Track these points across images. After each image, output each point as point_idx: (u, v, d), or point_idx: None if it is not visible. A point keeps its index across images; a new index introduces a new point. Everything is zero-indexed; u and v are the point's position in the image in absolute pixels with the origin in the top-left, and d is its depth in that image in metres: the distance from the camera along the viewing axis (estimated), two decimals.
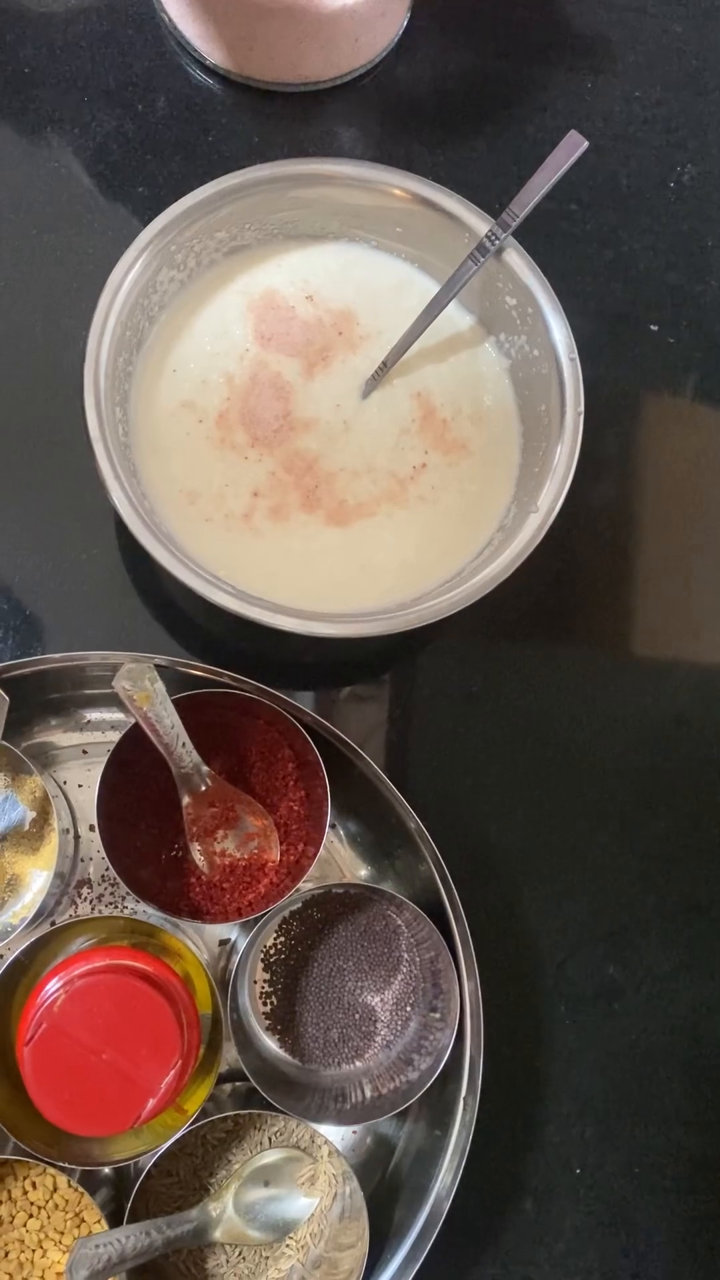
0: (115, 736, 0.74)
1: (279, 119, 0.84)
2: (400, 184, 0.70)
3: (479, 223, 0.70)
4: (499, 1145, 0.74)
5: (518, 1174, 0.75)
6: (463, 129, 0.86)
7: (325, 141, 0.84)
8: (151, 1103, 0.59)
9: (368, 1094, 0.70)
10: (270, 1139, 0.70)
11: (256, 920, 0.68)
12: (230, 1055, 0.68)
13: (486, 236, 0.69)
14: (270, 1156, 0.69)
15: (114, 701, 0.75)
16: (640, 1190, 0.75)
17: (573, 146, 0.66)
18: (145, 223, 0.69)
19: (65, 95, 0.82)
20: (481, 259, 0.69)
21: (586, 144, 0.66)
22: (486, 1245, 0.74)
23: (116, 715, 0.75)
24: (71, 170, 0.81)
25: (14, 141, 0.81)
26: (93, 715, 0.75)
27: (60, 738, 0.75)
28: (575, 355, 0.69)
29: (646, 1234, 0.75)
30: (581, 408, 0.68)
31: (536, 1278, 0.74)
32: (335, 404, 0.72)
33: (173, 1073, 0.59)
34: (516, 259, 0.70)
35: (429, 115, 0.86)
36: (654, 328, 0.84)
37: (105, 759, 0.66)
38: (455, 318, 0.74)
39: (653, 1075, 0.76)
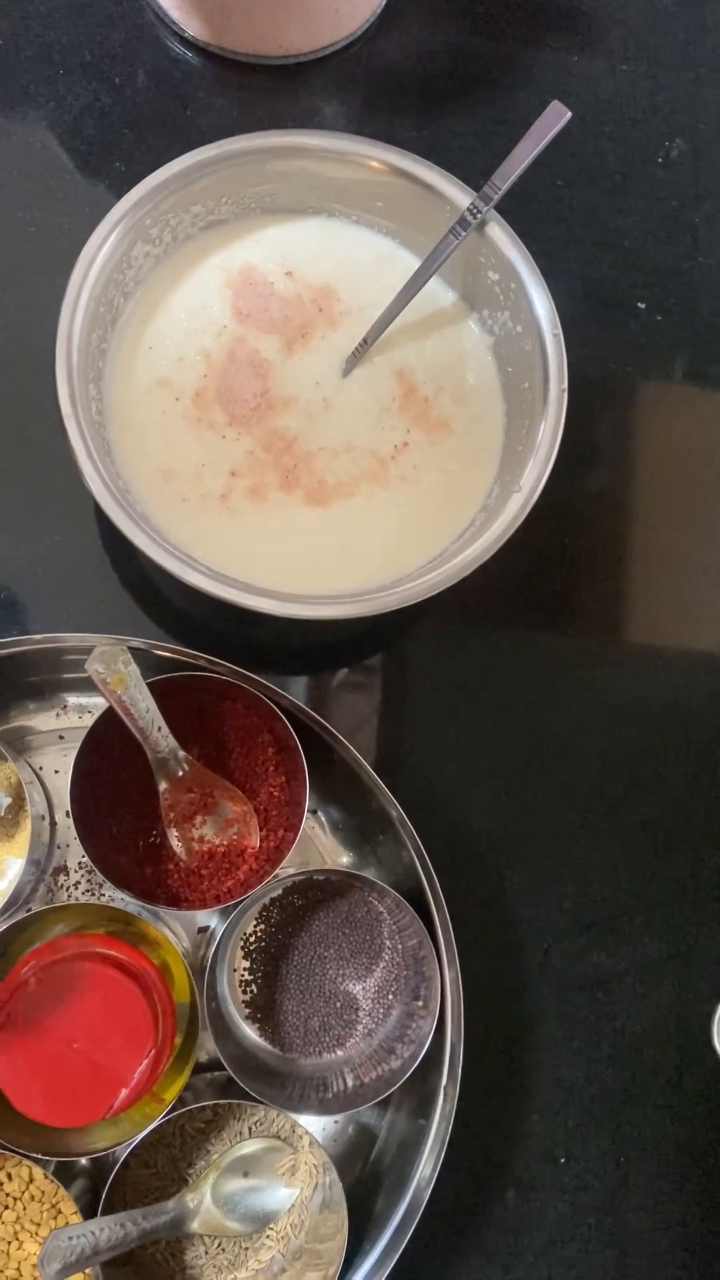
0: (93, 722, 0.73)
1: (259, 92, 0.82)
2: (379, 156, 0.69)
3: (460, 196, 0.69)
4: (482, 1135, 0.73)
5: (501, 1164, 0.74)
6: (446, 104, 0.84)
7: (306, 116, 0.83)
8: (124, 1093, 0.58)
9: (349, 1083, 0.69)
10: (250, 1129, 0.69)
11: (235, 907, 0.67)
12: (209, 1044, 0.67)
13: (468, 210, 0.67)
14: (250, 1147, 0.68)
15: (92, 686, 0.73)
16: (625, 1180, 0.74)
17: (555, 117, 0.65)
18: (120, 198, 0.67)
19: (40, 68, 0.81)
20: (463, 233, 0.68)
21: (569, 114, 0.65)
22: (469, 1235, 0.73)
23: (95, 700, 0.74)
24: (47, 144, 0.80)
25: None
26: (70, 700, 0.74)
27: (37, 722, 0.74)
28: (559, 331, 0.67)
29: (631, 1224, 0.74)
30: (565, 384, 0.67)
31: (519, 1268, 0.73)
32: (315, 382, 0.71)
33: (146, 1062, 0.58)
34: (499, 233, 0.68)
35: (412, 90, 0.84)
36: (641, 306, 0.83)
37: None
38: (437, 294, 0.73)
39: (638, 1064, 0.75)
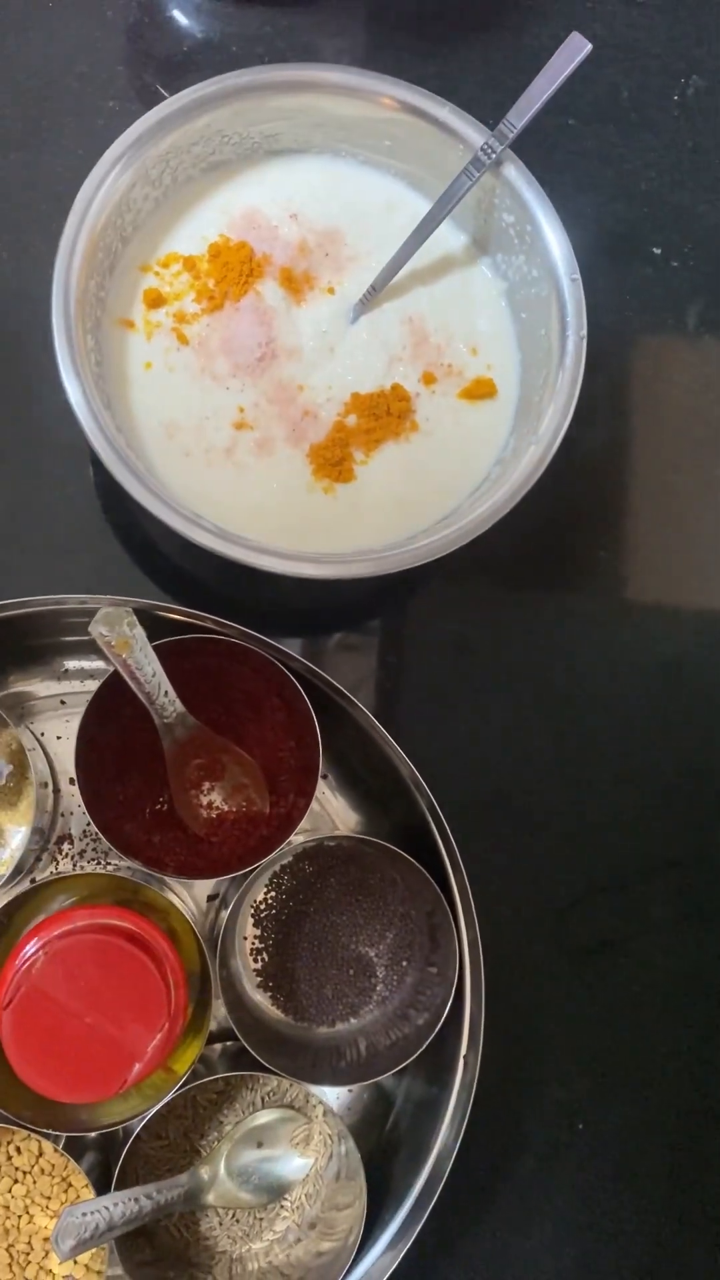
0: (95, 686, 0.70)
1: (259, 27, 0.79)
2: (389, 92, 0.66)
3: (474, 134, 0.66)
4: (499, 1103, 0.72)
5: (519, 1132, 0.73)
6: (455, 38, 0.81)
7: (309, 51, 0.79)
8: (138, 1067, 0.56)
9: (364, 1051, 0.67)
10: (263, 1099, 0.68)
11: (246, 875, 0.65)
12: (220, 1014, 0.66)
13: (482, 149, 0.64)
14: (263, 1117, 0.67)
15: (93, 649, 0.71)
16: (644, 1145, 0.73)
17: (575, 50, 0.62)
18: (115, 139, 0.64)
19: (29, 2, 0.77)
20: (476, 174, 0.65)
21: (589, 46, 0.61)
22: (487, 1203, 0.72)
23: (96, 664, 0.72)
24: (37, 83, 0.76)
25: None
26: (71, 664, 0.72)
27: (37, 687, 0.72)
28: (577, 275, 0.65)
29: (650, 1189, 0.73)
30: (584, 331, 0.64)
31: (537, 1235, 0.72)
32: (321, 330, 0.68)
33: (159, 1035, 0.56)
34: (514, 173, 0.66)
35: (420, 24, 0.81)
36: (657, 250, 0.80)
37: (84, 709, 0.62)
38: (448, 237, 0.70)
39: (656, 1028, 0.74)
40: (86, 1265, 0.64)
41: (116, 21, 0.77)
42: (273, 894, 0.70)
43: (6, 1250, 0.64)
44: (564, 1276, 0.72)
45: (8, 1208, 0.64)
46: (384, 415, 0.68)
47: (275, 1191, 0.67)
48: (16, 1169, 0.65)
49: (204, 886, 0.71)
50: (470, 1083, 0.65)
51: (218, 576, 0.74)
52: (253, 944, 0.70)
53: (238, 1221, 0.67)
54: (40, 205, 0.74)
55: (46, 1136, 0.62)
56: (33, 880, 0.68)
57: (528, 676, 0.77)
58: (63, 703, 0.71)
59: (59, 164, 0.75)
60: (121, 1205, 0.58)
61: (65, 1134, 0.62)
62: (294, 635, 0.75)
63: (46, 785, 0.67)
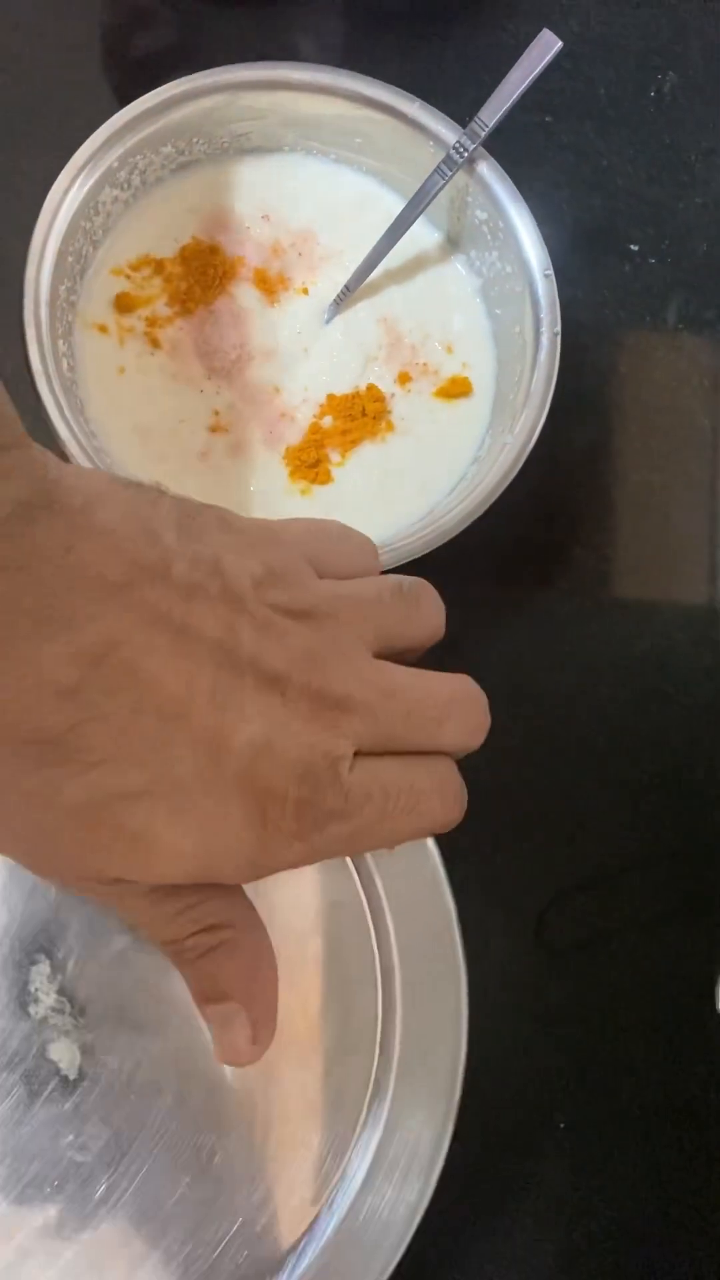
0: None
1: (231, 26, 0.79)
2: (358, 89, 0.65)
3: (447, 132, 0.66)
4: (479, 1100, 0.72)
5: (499, 1130, 0.73)
6: (429, 36, 0.80)
7: (284, 50, 0.78)
8: None
9: None
10: None
11: None
12: None
13: (454, 147, 0.64)
14: None
15: None
16: (624, 1142, 0.73)
17: (546, 47, 0.62)
18: (86, 139, 0.64)
19: (1, 1, 0.77)
20: (449, 172, 0.64)
21: (560, 44, 0.62)
22: (464, 1203, 0.72)
23: None
24: (8, 82, 0.75)
25: None
26: None
27: None
28: (550, 271, 0.64)
29: (630, 1185, 0.73)
30: (559, 327, 0.64)
31: (518, 1233, 0.72)
32: (296, 331, 0.68)
33: None
34: (487, 170, 0.65)
35: (395, 21, 0.81)
36: (634, 247, 0.80)
37: None
38: (421, 235, 0.69)
39: (637, 1025, 0.74)
40: None
41: (84, 21, 0.77)
42: None
43: None
44: (545, 1274, 0.72)
45: None
46: (359, 416, 0.67)
47: None
48: None
49: None
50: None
51: None
52: None
53: None
54: (11, 207, 0.74)
55: None
56: None
57: (505, 674, 0.76)
58: None
59: (30, 166, 0.73)
60: None
61: None
62: None
63: None
